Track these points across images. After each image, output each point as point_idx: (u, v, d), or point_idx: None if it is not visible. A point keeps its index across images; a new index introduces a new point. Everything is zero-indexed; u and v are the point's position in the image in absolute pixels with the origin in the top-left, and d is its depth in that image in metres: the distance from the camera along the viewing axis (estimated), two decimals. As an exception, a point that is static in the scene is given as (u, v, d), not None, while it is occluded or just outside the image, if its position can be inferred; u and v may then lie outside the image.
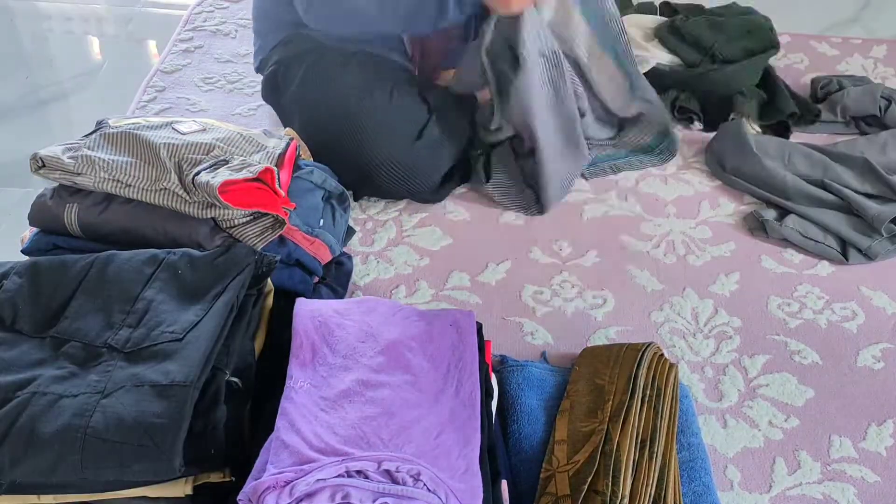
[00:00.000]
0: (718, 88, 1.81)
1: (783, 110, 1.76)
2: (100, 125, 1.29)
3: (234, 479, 0.95)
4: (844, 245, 1.51)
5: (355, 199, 1.60)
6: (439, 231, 1.57)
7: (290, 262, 1.25)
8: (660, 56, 1.86)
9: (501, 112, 1.56)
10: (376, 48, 1.62)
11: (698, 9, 1.99)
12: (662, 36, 1.89)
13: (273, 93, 1.69)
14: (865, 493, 1.15)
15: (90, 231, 1.22)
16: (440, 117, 1.58)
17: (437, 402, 1.00)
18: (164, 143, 1.21)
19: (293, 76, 1.60)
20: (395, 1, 1.49)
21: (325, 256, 1.31)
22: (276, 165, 1.24)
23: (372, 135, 1.50)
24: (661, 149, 1.71)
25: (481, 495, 0.92)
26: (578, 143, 1.59)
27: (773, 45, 1.86)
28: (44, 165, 1.20)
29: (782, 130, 1.78)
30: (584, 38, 1.58)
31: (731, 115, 1.78)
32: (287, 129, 1.59)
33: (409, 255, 1.52)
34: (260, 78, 1.73)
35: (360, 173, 1.54)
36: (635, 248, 1.54)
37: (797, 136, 1.78)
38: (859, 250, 1.50)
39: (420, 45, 1.70)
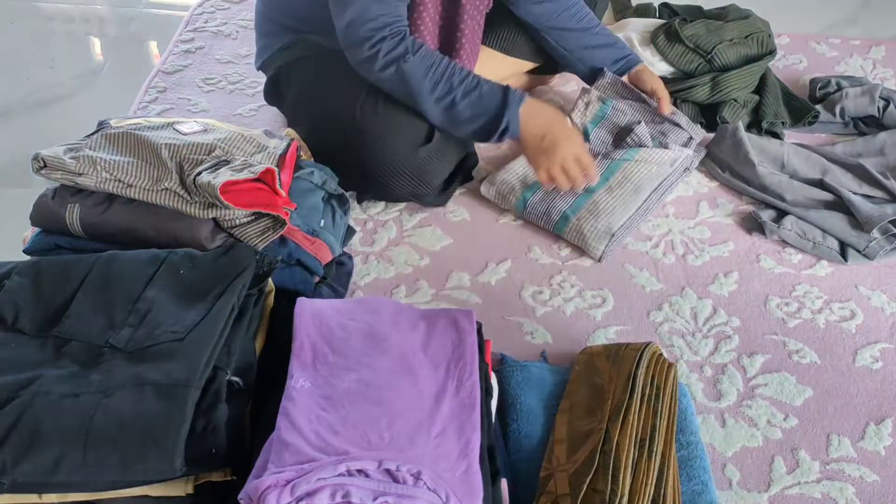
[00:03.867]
0: (715, 96, 1.79)
1: (773, 117, 1.76)
2: (101, 125, 1.30)
3: (235, 478, 0.95)
4: (843, 245, 1.52)
5: (359, 202, 1.60)
6: (439, 231, 1.57)
7: (290, 262, 1.25)
8: (658, 67, 1.83)
9: None
10: None
11: (697, 10, 1.99)
12: (660, 42, 1.86)
13: (275, 96, 1.69)
14: (864, 493, 1.16)
15: (92, 231, 1.22)
16: None
17: (438, 402, 1.00)
18: (166, 144, 1.22)
19: (294, 81, 1.59)
20: (458, 118, 1.47)
21: (326, 256, 1.31)
22: (277, 166, 1.25)
23: (377, 142, 1.47)
24: None
25: (481, 494, 0.92)
26: None
27: (770, 52, 1.85)
28: (45, 166, 1.21)
29: (773, 137, 1.77)
30: None
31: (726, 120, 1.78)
32: (288, 129, 1.60)
33: (410, 254, 1.52)
34: (261, 78, 1.73)
35: (366, 178, 1.52)
36: (634, 248, 1.54)
37: (797, 137, 1.79)
38: (858, 250, 1.50)
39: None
